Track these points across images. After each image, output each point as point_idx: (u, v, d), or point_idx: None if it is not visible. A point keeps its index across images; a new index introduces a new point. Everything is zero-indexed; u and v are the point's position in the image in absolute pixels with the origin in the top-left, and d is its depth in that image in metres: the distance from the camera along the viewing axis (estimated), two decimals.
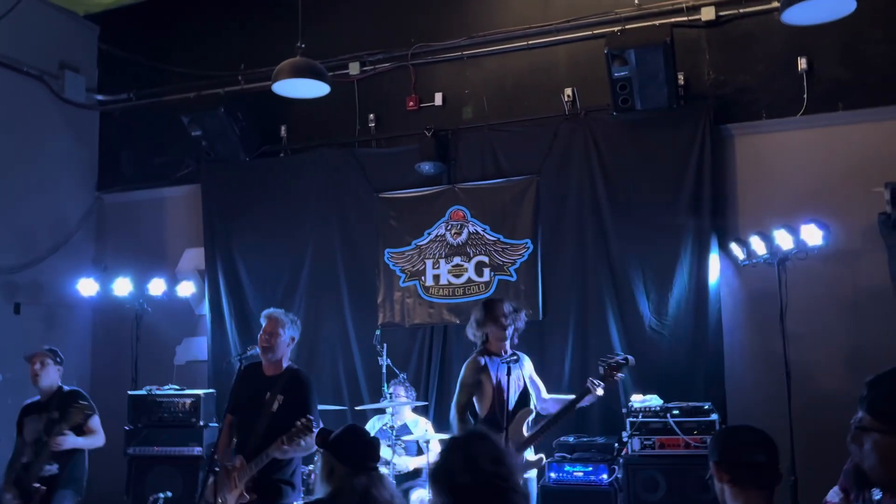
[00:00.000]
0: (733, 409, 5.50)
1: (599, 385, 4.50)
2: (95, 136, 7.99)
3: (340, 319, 6.72)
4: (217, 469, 4.08)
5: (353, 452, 2.82)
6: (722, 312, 5.77)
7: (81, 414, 4.90)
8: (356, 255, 6.80)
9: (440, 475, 2.26)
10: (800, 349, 5.45)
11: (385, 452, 5.52)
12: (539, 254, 6.25)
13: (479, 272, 6.43)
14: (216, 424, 6.13)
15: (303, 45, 5.55)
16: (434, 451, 5.20)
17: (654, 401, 5.27)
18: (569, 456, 5.27)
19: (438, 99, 6.79)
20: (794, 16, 4.62)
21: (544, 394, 4.80)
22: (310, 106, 6.50)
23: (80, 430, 4.99)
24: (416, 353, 6.48)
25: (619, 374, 4.63)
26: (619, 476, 5.11)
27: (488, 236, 6.43)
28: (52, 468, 4.80)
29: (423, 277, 6.57)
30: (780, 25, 4.99)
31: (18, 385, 5.75)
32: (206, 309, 7.17)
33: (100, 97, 7.91)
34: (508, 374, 4.38)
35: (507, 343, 4.61)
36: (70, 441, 4.89)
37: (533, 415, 4.68)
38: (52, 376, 5.11)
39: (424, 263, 6.58)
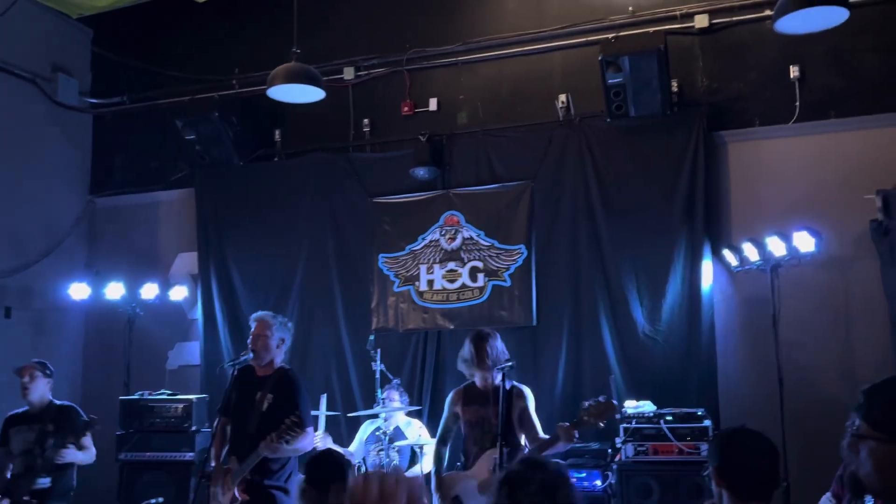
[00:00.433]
0: (726, 415, 5.51)
1: (573, 429, 4.00)
2: (88, 139, 7.95)
3: (334, 324, 6.71)
4: (211, 471, 4.09)
5: (319, 474, 3.18)
6: (715, 318, 5.79)
7: (90, 428, 4.89)
8: (350, 259, 6.79)
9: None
10: (792, 355, 5.46)
11: (373, 458, 5.52)
12: (533, 259, 6.26)
13: (473, 277, 6.43)
14: (209, 430, 6.09)
15: (298, 50, 5.55)
16: (427, 458, 5.18)
17: (647, 407, 5.28)
18: (562, 462, 5.27)
19: (433, 104, 6.79)
20: (787, 25, 4.65)
21: (532, 440, 4.30)
22: (304, 110, 6.48)
23: (77, 446, 4.96)
24: (409, 358, 6.47)
25: (599, 422, 4.02)
26: (613, 482, 5.12)
27: (483, 241, 6.44)
28: (45, 482, 4.75)
29: (417, 282, 6.56)
30: (773, 34, 5.01)
31: (8, 390, 5.69)
32: (198, 313, 7.15)
33: (93, 100, 7.87)
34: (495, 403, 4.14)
35: (490, 377, 4.32)
36: (70, 455, 4.87)
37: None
38: (41, 389, 5.05)
39: (418, 268, 6.58)
